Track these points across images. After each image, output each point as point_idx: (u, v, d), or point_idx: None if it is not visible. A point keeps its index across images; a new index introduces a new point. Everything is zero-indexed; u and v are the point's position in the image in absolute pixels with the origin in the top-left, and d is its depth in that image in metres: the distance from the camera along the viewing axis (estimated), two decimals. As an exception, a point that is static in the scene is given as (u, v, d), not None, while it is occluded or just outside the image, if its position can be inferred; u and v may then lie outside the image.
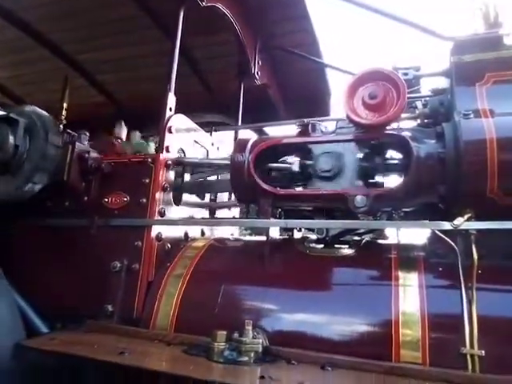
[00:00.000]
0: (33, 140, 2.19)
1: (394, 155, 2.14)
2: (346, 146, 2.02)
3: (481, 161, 1.67)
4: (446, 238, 1.75)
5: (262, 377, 1.39)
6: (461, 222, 1.66)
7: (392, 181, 2.16)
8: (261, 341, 1.67)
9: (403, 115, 2.07)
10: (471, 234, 1.67)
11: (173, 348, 1.78)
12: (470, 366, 1.52)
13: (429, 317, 1.64)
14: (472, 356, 1.53)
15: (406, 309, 1.69)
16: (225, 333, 1.68)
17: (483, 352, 1.51)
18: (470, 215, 1.68)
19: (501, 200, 1.65)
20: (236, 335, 1.67)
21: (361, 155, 2.05)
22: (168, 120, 2.41)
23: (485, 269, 1.66)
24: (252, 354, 1.62)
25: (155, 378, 1.56)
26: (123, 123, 3.02)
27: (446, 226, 1.70)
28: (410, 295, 1.73)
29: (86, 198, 2.36)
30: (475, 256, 1.63)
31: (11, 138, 2.12)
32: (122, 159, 2.45)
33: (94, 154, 2.39)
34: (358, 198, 1.90)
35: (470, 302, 1.62)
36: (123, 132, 3.01)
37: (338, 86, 3.82)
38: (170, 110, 2.46)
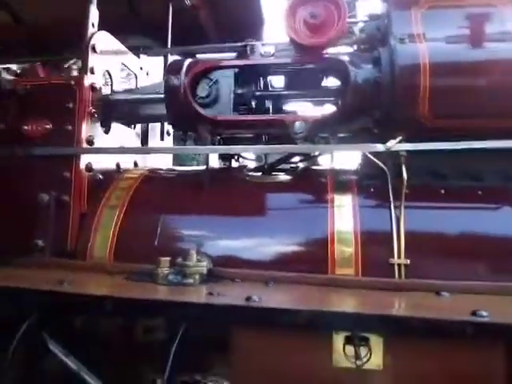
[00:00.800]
0: None
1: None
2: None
3: (414, 85, 1.74)
4: (377, 161, 1.86)
5: (209, 293, 1.42)
6: (393, 144, 1.75)
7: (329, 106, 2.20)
8: (205, 263, 1.69)
9: (341, 40, 2.08)
10: (401, 156, 1.77)
11: (114, 277, 1.74)
12: (396, 274, 1.69)
13: (361, 234, 1.76)
14: (399, 265, 1.69)
15: (341, 228, 1.80)
16: (168, 258, 1.68)
17: (408, 261, 1.68)
18: (401, 138, 1.77)
19: (430, 123, 1.76)
20: (180, 260, 1.68)
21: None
22: (91, 37, 2.16)
23: (412, 188, 1.79)
24: (197, 276, 1.64)
25: (99, 307, 1.52)
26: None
27: (380, 147, 1.79)
28: (344, 215, 1.83)
29: (2, 126, 2.11)
30: (404, 176, 1.75)
31: None
32: (40, 81, 2.18)
33: (6, 76, 2.11)
34: (297, 123, 1.92)
35: (398, 219, 1.76)
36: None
37: (271, 12, 3.67)
38: (93, 26, 2.20)
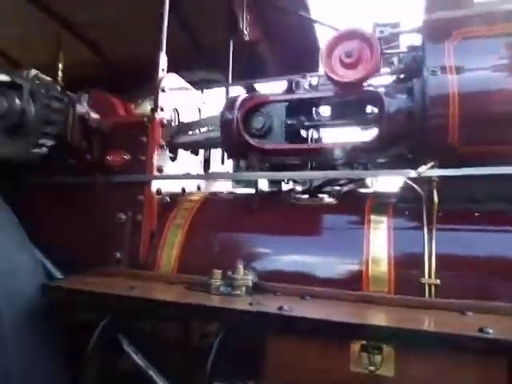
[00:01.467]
0: (36, 103, 2.34)
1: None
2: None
3: (444, 114, 1.85)
4: (414, 185, 1.98)
5: (250, 303, 1.66)
6: (424, 170, 1.86)
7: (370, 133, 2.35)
8: (251, 277, 1.93)
9: (381, 70, 2.25)
10: (433, 181, 1.89)
11: (176, 286, 2.05)
12: (427, 294, 1.79)
13: (394, 254, 1.89)
14: (429, 285, 1.79)
15: (376, 248, 1.94)
16: (220, 271, 1.94)
17: (439, 281, 1.78)
18: (433, 164, 1.88)
19: (461, 150, 1.85)
20: (230, 273, 1.93)
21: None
22: (161, 80, 2.55)
23: (446, 212, 1.90)
24: (243, 289, 1.88)
25: (162, 310, 1.82)
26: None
27: (412, 173, 1.91)
28: (379, 236, 1.97)
29: (88, 157, 2.55)
30: (435, 200, 1.86)
31: (17, 102, 2.28)
32: (120, 119, 2.61)
33: (94, 115, 2.55)
34: (337, 150, 2.10)
35: (430, 241, 1.86)
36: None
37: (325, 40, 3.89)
38: (163, 70, 2.59)
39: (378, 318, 1.64)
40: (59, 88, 2.60)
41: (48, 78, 2.49)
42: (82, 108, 2.55)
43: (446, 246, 1.85)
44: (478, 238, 1.88)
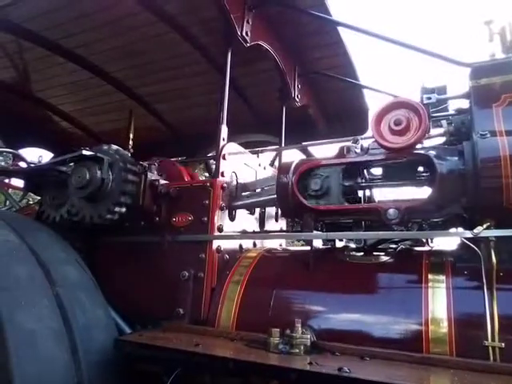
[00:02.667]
0: (114, 173, 2.66)
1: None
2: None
3: (496, 176, 1.90)
4: (471, 245, 1.98)
5: (309, 363, 1.71)
6: (480, 231, 1.89)
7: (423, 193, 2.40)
8: (309, 336, 1.99)
9: (432, 132, 2.35)
10: (491, 241, 1.90)
11: (236, 342, 2.14)
12: (491, 357, 1.75)
13: (455, 315, 1.88)
14: (493, 348, 1.76)
15: (435, 308, 1.94)
16: (278, 330, 2.01)
17: (503, 344, 1.74)
18: (488, 224, 1.90)
19: (515, 209, 1.87)
20: (288, 331, 2.00)
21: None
22: (222, 149, 2.81)
23: (505, 272, 1.89)
24: (302, 347, 1.94)
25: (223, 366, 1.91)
26: None
27: (467, 234, 1.94)
28: (438, 296, 1.98)
29: (157, 219, 2.80)
30: (494, 260, 1.86)
31: (98, 173, 2.61)
32: (185, 184, 2.87)
33: (162, 181, 2.83)
34: (391, 210, 2.17)
35: (491, 302, 1.85)
36: None
37: (374, 102, 4.07)
38: (223, 139, 2.86)
39: (442, 382, 1.62)
40: (130, 155, 2.94)
41: (124, 151, 2.83)
42: (153, 176, 2.85)
43: (508, 307, 1.82)
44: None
